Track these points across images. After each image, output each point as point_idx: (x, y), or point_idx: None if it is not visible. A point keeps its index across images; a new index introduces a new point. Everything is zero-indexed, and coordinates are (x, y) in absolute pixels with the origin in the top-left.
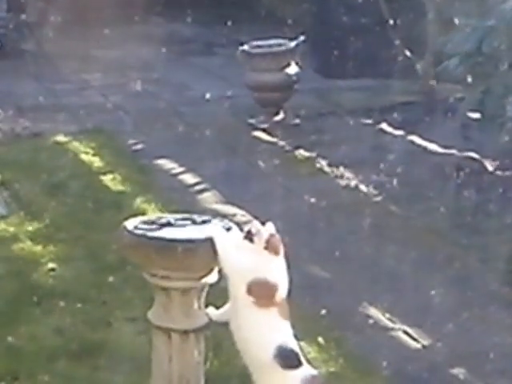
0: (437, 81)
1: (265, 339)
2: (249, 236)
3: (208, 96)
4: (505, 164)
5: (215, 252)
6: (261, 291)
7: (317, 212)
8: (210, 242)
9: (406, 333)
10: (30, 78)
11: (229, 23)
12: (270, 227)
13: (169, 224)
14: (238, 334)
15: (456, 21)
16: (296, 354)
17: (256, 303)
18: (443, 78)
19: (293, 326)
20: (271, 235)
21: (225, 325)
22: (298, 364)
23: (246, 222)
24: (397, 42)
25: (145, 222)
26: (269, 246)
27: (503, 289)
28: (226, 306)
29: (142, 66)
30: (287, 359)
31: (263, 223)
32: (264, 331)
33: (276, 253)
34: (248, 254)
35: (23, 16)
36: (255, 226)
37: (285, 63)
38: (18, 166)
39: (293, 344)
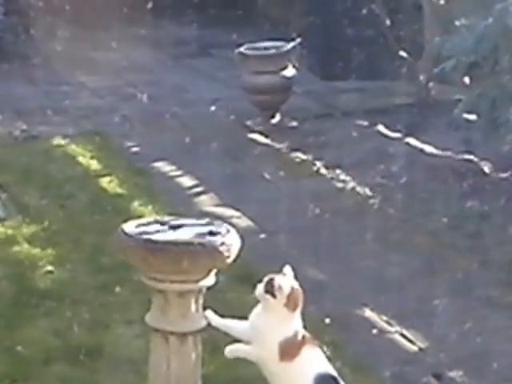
0: (434, 82)
1: (302, 379)
2: (271, 290)
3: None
4: (501, 166)
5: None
6: (291, 349)
7: (313, 214)
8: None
9: (403, 335)
10: (28, 81)
11: (226, 25)
12: (288, 272)
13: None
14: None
15: (453, 22)
16: (335, 379)
17: (289, 359)
18: (440, 79)
19: None
20: (292, 288)
21: None
22: None
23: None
24: (394, 44)
25: (144, 224)
26: (289, 303)
27: (500, 291)
28: (245, 347)
29: (139, 69)
30: None
31: (281, 271)
32: (300, 373)
33: (294, 309)
34: (268, 326)
35: (21, 19)
36: (277, 279)
37: (281, 65)
38: (15, 168)
39: (328, 368)
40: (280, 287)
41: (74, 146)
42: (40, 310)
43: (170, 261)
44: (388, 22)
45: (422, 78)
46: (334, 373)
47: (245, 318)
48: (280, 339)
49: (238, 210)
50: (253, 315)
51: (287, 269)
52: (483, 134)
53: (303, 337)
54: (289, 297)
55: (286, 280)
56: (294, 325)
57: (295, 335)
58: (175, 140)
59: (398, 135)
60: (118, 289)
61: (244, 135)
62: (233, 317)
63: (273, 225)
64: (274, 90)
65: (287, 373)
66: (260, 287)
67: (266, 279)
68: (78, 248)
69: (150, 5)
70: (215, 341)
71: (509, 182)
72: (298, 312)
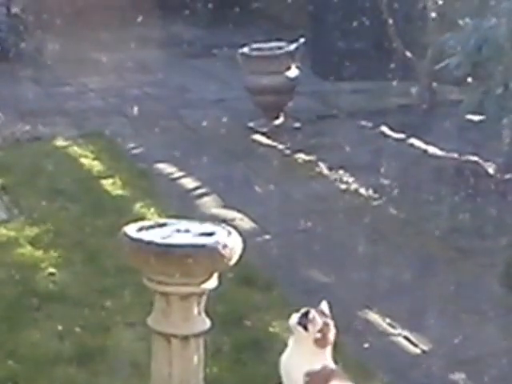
0: (437, 82)
1: None
2: (303, 322)
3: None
4: (506, 167)
5: None
6: (317, 381)
7: (316, 216)
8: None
9: (406, 338)
10: (30, 82)
11: (229, 26)
12: (325, 309)
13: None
14: None
15: (457, 21)
16: None
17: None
18: (443, 79)
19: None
20: (325, 325)
21: (224, 330)
22: None
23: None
24: (398, 45)
25: (146, 227)
26: (319, 339)
27: (503, 293)
28: None
29: (142, 69)
30: None
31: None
32: None
33: (324, 346)
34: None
35: (24, 20)
36: (313, 312)
37: (285, 66)
38: (18, 170)
39: None
40: (314, 320)
41: (76, 148)
42: (42, 313)
43: (172, 263)
44: (392, 22)
45: (425, 78)
46: None
47: (246, 318)
48: (305, 371)
49: (240, 211)
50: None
51: (324, 305)
52: (487, 134)
53: (332, 371)
54: (320, 332)
55: (322, 316)
56: (322, 360)
57: (323, 368)
58: (178, 141)
59: (401, 136)
60: (118, 290)
61: (247, 136)
62: (234, 319)
63: (276, 226)
64: (277, 90)
65: None
66: (294, 317)
67: (302, 310)
68: (81, 250)
69: (153, 5)
70: (217, 343)
71: None
72: (328, 349)
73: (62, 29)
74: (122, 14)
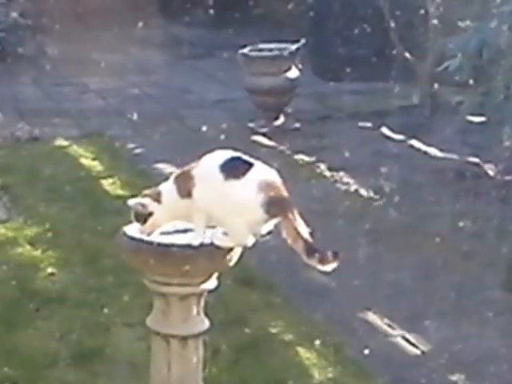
0: (437, 84)
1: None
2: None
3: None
4: (506, 168)
5: None
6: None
7: (316, 217)
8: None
9: (405, 339)
10: (30, 82)
11: (229, 27)
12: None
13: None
14: None
15: (458, 23)
16: (239, 158)
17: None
18: (444, 81)
19: (291, 332)
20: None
21: (223, 331)
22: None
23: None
24: (398, 46)
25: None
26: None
27: (503, 295)
28: None
29: (142, 70)
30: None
31: None
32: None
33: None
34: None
35: (23, 19)
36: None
37: (285, 67)
38: (17, 170)
39: (231, 153)
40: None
41: (76, 148)
42: (41, 313)
43: (172, 264)
44: (392, 24)
45: (426, 80)
46: (241, 154)
47: (245, 319)
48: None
49: None
50: None
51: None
52: (488, 136)
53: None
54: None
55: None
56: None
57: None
58: (178, 142)
59: (401, 137)
60: (117, 290)
61: (247, 137)
62: (234, 319)
63: (275, 227)
64: (277, 91)
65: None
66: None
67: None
68: (80, 250)
69: (154, 6)
70: (216, 344)
71: None
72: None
73: (63, 30)
74: (123, 16)
